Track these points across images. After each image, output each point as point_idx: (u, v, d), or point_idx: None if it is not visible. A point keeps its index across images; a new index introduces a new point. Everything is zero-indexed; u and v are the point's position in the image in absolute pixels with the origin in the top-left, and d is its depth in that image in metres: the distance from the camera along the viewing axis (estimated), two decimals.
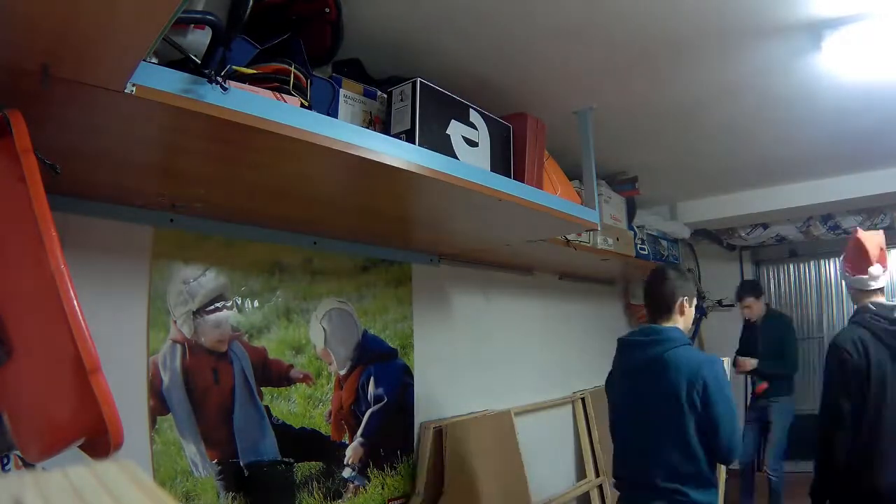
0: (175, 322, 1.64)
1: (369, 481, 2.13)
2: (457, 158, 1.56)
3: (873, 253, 1.92)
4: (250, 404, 1.78)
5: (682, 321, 1.83)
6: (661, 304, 1.83)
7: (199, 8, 1.06)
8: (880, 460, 1.67)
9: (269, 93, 1.14)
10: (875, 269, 1.91)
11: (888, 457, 1.67)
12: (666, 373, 1.69)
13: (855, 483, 1.71)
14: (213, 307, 1.73)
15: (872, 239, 1.96)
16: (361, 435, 2.12)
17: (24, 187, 0.75)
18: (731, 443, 1.63)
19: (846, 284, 2.07)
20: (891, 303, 1.91)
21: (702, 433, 1.65)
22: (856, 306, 1.98)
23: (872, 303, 1.90)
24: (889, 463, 1.66)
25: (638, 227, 3.35)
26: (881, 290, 1.93)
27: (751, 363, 3.59)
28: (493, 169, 1.68)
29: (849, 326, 1.89)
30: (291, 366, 1.92)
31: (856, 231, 2.04)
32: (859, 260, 1.95)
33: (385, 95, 1.55)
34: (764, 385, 3.59)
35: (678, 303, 1.81)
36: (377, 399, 2.20)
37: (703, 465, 1.66)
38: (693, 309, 1.86)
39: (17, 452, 1.15)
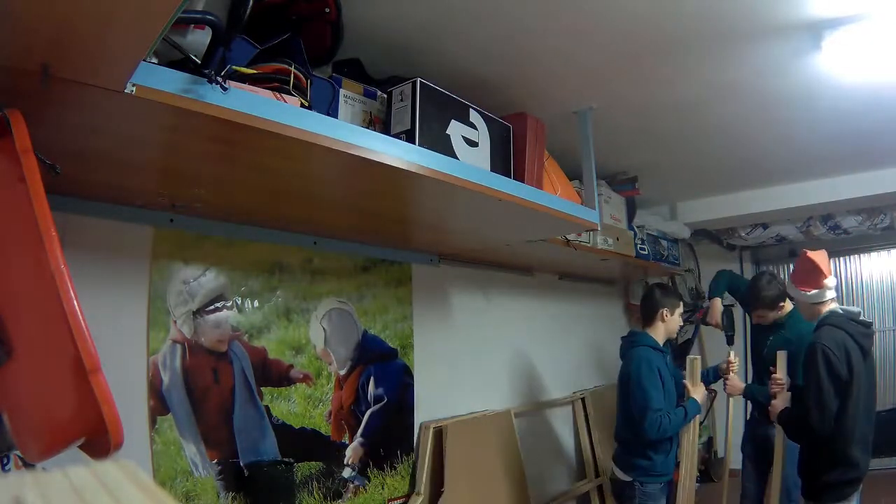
0: (175, 322, 1.64)
1: (369, 481, 2.13)
2: (457, 158, 1.56)
3: (826, 268, 2.08)
4: (250, 404, 1.78)
5: (662, 328, 2.38)
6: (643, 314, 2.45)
7: (199, 8, 1.06)
8: (846, 437, 1.94)
9: (269, 93, 1.14)
10: (830, 280, 2.06)
11: (852, 436, 1.95)
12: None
13: (827, 447, 1.95)
14: (213, 307, 1.73)
15: (821, 255, 2.11)
16: (361, 435, 2.12)
17: (24, 187, 0.75)
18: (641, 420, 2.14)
19: (801, 302, 2.15)
20: (855, 308, 2.09)
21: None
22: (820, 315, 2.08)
23: (842, 308, 2.06)
24: (855, 440, 1.94)
25: (638, 227, 3.34)
26: (834, 299, 2.10)
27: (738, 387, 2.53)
28: (493, 169, 1.68)
29: (827, 329, 1.98)
30: (291, 366, 1.92)
31: (804, 252, 2.15)
32: (815, 277, 2.07)
33: (385, 95, 1.55)
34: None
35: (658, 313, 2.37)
36: (377, 399, 2.20)
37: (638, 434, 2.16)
38: (676, 317, 2.40)
39: (17, 452, 1.15)
